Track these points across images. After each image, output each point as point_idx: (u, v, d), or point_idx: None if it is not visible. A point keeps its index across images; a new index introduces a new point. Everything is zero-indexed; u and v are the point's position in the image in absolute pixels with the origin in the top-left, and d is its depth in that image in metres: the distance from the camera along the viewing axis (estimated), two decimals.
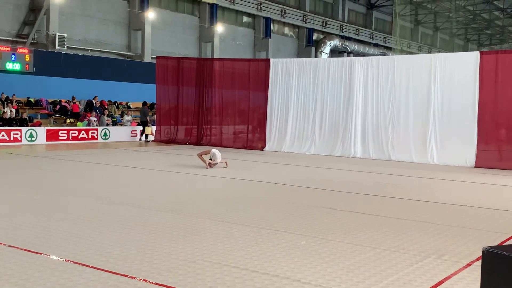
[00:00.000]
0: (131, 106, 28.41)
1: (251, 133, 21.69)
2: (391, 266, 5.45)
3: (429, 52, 52.89)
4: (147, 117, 23.79)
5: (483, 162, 16.26)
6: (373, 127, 18.61)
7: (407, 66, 18.20)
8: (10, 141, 19.68)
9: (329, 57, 41.95)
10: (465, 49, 59.26)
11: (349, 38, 48.15)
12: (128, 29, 30.95)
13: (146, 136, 23.84)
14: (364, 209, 8.60)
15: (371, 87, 18.71)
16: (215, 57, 33.51)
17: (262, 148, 20.77)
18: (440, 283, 4.99)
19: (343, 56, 43.41)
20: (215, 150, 13.97)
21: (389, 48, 51.06)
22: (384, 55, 42.77)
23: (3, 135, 19.56)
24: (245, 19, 39.70)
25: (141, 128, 23.97)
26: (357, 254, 5.85)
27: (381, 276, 5.11)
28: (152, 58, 29.83)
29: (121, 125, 25.12)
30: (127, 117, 25.51)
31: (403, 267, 5.45)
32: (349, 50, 47.23)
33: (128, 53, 30.75)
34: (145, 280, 4.83)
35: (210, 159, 13.77)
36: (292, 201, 9.32)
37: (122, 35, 30.68)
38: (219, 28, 35.56)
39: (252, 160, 16.77)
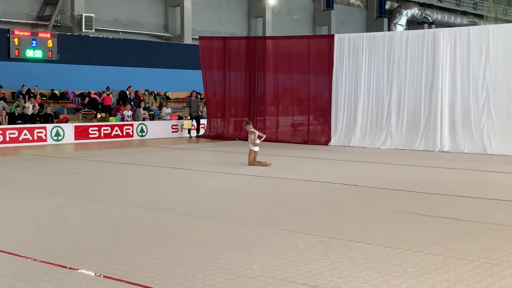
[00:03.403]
0: (170, 97, 28.90)
1: (313, 125, 21.67)
2: (493, 283, 5.36)
3: None
4: (188, 109, 24.22)
5: None
6: (463, 114, 18.29)
7: (505, 37, 17.76)
8: (34, 140, 20.36)
9: (406, 29, 41.28)
10: None
11: (430, 6, 47.18)
12: (165, 5, 31.44)
13: (189, 131, 24.18)
14: (457, 215, 8.46)
15: (460, 65, 18.37)
16: (267, 35, 33.60)
17: (326, 142, 20.72)
18: None
19: (424, 28, 42.59)
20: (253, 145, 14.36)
21: (480, 16, 49.74)
22: (475, 24, 41.70)
23: (25, 134, 20.26)
24: None
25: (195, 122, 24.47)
26: (451, 268, 5.78)
27: None
28: (193, 39, 30.21)
29: (160, 119, 25.57)
30: (166, 110, 25.97)
31: (508, 283, 5.35)
32: (431, 21, 46.31)
33: (166, 34, 31.28)
34: None
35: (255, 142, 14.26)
36: (367, 205, 9.28)
37: (157, 13, 31.20)
38: (271, 0, 35.60)
39: (315, 157, 16.76)
